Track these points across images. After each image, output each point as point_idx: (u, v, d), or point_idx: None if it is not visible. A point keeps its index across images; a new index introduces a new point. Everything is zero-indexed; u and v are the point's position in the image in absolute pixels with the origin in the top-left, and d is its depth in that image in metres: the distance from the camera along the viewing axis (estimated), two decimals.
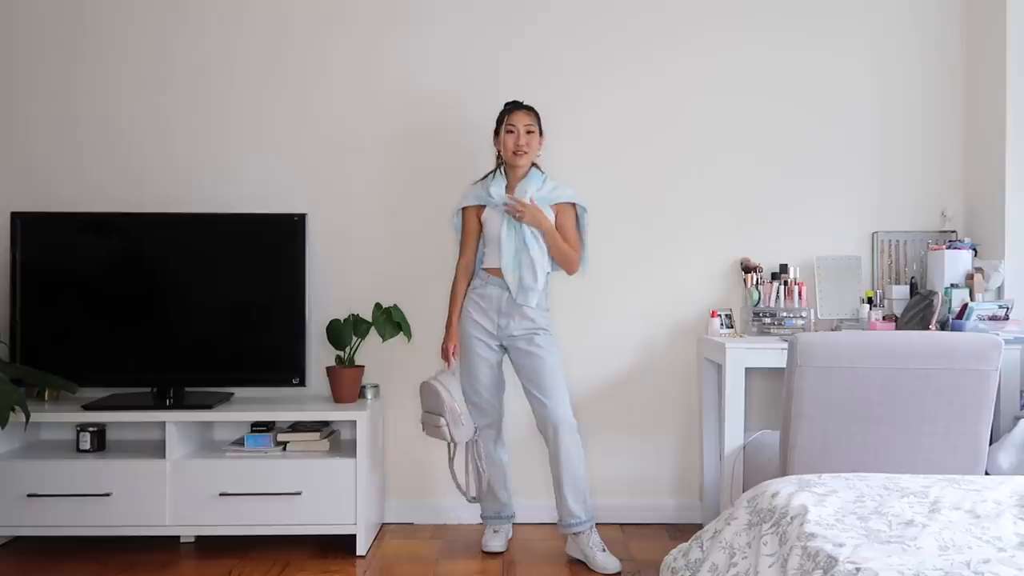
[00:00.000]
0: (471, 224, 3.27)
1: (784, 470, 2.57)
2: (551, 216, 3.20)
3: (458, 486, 3.28)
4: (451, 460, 3.26)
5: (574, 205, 3.26)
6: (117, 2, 3.62)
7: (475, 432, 3.20)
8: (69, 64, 3.61)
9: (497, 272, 3.17)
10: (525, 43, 3.62)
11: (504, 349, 3.23)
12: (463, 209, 3.29)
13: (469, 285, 3.26)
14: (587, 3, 3.63)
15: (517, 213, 3.11)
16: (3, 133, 3.61)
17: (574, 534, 3.14)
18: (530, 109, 3.20)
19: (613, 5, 3.62)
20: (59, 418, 3.30)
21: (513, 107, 3.20)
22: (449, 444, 3.23)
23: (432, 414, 3.17)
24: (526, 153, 3.16)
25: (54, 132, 3.61)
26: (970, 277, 3.33)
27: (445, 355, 3.27)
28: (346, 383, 3.40)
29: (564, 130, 3.55)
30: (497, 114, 3.23)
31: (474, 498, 3.30)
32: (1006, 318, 3.16)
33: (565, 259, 3.22)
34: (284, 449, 3.30)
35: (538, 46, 3.62)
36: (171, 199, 3.56)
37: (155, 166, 3.61)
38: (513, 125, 3.16)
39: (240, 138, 3.62)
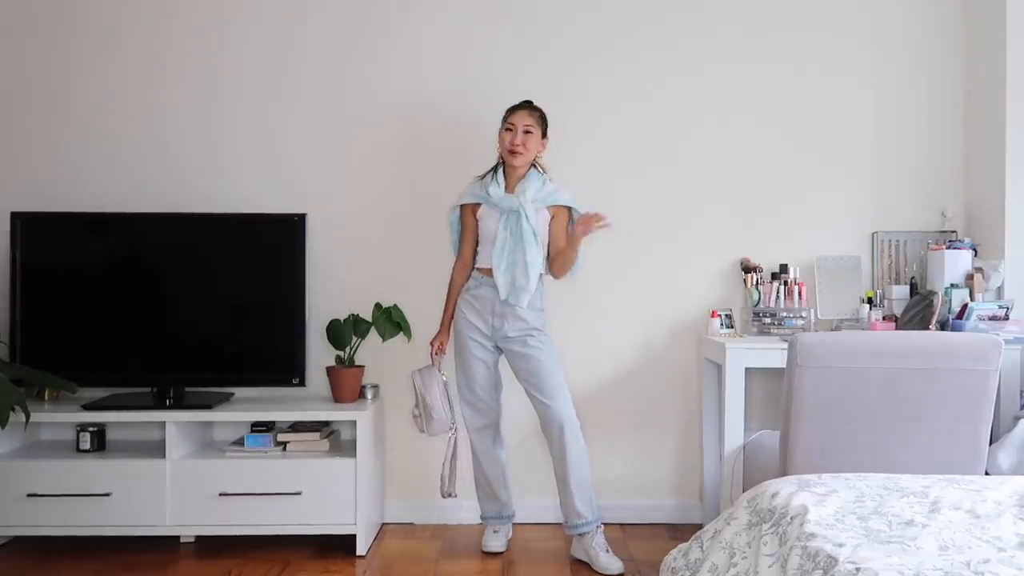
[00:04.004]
0: (468, 221, 3.26)
1: (784, 470, 2.57)
2: (546, 217, 3.18)
3: (440, 481, 3.30)
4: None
5: (570, 210, 3.24)
6: (119, 4, 3.62)
7: (450, 429, 3.27)
8: (69, 65, 3.61)
9: (491, 272, 3.16)
10: (525, 43, 3.62)
11: (500, 350, 3.23)
12: (461, 206, 3.29)
13: (464, 284, 3.26)
14: (588, 3, 3.63)
15: (600, 222, 3.01)
16: (3, 133, 3.61)
17: (580, 535, 3.13)
18: (534, 110, 3.19)
19: (614, 6, 3.63)
20: (59, 418, 3.30)
21: (517, 106, 3.19)
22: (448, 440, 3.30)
23: (415, 405, 3.30)
24: (521, 153, 3.13)
25: (55, 132, 3.61)
26: (970, 277, 3.33)
27: (432, 349, 3.31)
28: (346, 383, 3.40)
29: (564, 130, 3.53)
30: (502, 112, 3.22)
31: (450, 494, 3.30)
32: (1006, 318, 3.16)
33: (565, 264, 3.18)
34: (284, 449, 3.30)
35: (538, 46, 3.62)
36: (171, 199, 3.56)
37: (155, 166, 3.61)
38: (512, 124, 3.15)
39: (240, 138, 3.62)
